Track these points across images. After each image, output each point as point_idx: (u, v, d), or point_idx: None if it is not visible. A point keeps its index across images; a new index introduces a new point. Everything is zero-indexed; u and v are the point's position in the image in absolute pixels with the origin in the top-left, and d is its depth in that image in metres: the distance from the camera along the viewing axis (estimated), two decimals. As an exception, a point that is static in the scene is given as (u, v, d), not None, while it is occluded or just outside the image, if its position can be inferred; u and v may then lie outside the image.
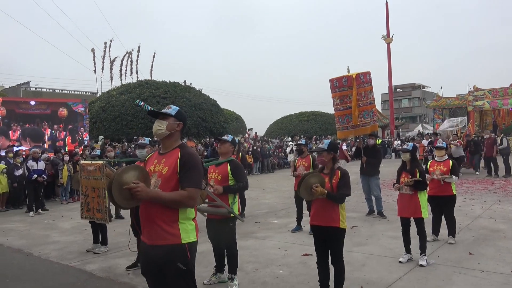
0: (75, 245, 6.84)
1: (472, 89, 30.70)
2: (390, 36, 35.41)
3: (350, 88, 8.32)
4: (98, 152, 8.39)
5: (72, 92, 39.83)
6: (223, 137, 4.77)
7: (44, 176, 10.72)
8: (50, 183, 12.38)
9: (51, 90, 39.25)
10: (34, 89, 38.58)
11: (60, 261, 5.92)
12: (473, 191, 11.11)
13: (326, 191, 3.86)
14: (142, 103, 5.63)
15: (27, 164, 10.74)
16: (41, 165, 10.89)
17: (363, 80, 8.38)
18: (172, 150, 2.78)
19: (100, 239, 6.44)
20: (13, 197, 11.29)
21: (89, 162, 6.28)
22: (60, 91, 39.58)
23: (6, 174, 10.92)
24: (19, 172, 10.97)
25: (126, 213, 8.27)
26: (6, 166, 11.04)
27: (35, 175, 10.50)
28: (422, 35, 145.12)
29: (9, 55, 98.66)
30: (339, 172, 4.05)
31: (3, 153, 12.53)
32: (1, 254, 5.61)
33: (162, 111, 2.86)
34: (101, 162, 5.99)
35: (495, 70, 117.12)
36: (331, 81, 8.68)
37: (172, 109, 2.87)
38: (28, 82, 39.21)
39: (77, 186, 6.70)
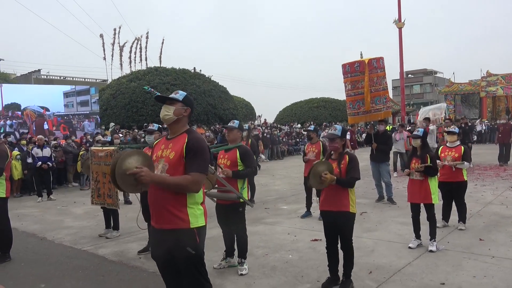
0: (88, 230, 6.95)
1: (485, 75, 30.19)
2: (402, 21, 34.79)
3: (362, 73, 8.22)
4: (109, 139, 8.46)
5: (83, 79, 40.07)
6: (229, 124, 4.75)
7: (49, 163, 10.83)
8: (62, 170, 12.56)
9: (61, 78, 39.53)
10: (45, 76, 38.88)
11: (74, 246, 6.02)
12: (484, 178, 11.01)
13: (335, 177, 3.85)
14: (151, 89, 5.65)
15: (32, 151, 10.90)
16: (47, 152, 11.01)
17: (375, 66, 8.27)
18: (179, 135, 2.79)
19: (112, 224, 6.53)
20: (25, 184, 11.49)
21: (100, 148, 6.35)
22: (71, 78, 39.83)
23: (20, 160, 11.08)
24: (30, 159, 11.13)
25: (134, 199, 8.33)
26: (19, 153, 11.18)
27: (39, 162, 10.63)
28: (434, 19, 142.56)
29: (20, 43, 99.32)
30: (347, 156, 4.04)
31: (14, 140, 12.71)
32: (16, 239, 5.71)
33: (170, 96, 2.85)
34: (112, 148, 6.04)
35: (509, 55, 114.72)
36: (343, 66, 8.59)
37: (180, 94, 2.86)
38: (39, 70, 39.52)
39: (87, 172, 6.78)
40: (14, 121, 16.24)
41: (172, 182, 2.61)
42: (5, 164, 5.28)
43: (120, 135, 15.86)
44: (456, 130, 6.41)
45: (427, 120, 13.28)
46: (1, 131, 14.98)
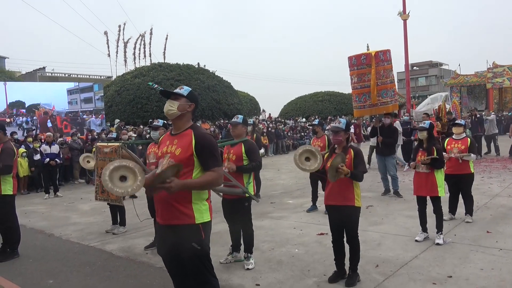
0: (95, 226, 6.99)
1: (491, 66, 29.89)
2: (407, 13, 34.48)
3: (368, 66, 8.15)
4: (114, 135, 8.49)
5: (87, 76, 40.16)
6: (233, 120, 4.75)
7: (57, 160, 10.90)
8: (68, 167, 12.62)
9: (66, 75, 39.63)
10: (50, 74, 38.97)
11: (81, 242, 6.06)
12: (491, 170, 10.93)
13: (349, 170, 3.84)
14: (155, 85, 5.64)
15: (41, 148, 10.98)
16: (55, 148, 11.07)
17: (382, 59, 8.18)
18: (184, 131, 2.79)
19: (118, 220, 6.57)
20: (33, 181, 11.57)
21: (105, 144, 6.36)
22: (76, 75, 39.93)
23: (27, 158, 11.15)
24: (37, 157, 11.20)
25: (139, 193, 8.35)
26: (26, 150, 11.26)
27: (47, 159, 10.70)
28: (439, 11, 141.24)
29: (25, 41, 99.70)
30: (351, 150, 4.02)
31: (22, 137, 12.80)
32: (24, 235, 5.75)
33: (174, 91, 2.85)
34: (117, 144, 6.05)
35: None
36: (350, 58, 8.51)
37: (184, 90, 2.86)
38: (44, 67, 39.60)
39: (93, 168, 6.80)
40: (35, 117, 16.41)
41: (200, 183, 2.66)
42: (13, 162, 5.31)
43: (131, 132, 15.83)
44: (462, 122, 6.37)
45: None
46: (19, 129, 15.17)
